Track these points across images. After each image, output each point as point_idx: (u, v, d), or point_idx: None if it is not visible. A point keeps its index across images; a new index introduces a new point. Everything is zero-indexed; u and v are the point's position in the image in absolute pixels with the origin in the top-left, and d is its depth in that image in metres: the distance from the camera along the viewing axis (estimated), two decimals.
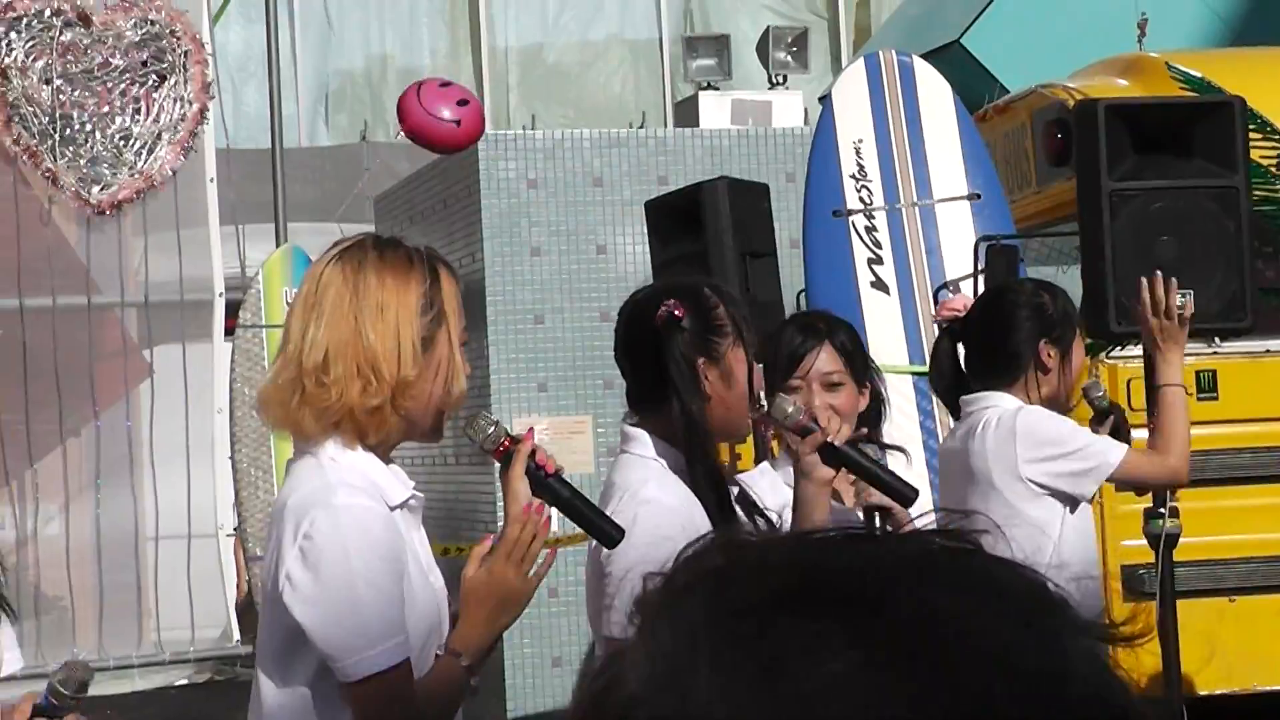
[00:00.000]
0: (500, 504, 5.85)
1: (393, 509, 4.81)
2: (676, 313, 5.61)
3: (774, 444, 8.89)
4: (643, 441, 5.71)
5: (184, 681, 14.95)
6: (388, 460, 4.96)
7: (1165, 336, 7.85)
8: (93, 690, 13.07)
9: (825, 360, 6.72)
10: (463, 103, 13.30)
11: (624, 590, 5.35)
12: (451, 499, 15.99)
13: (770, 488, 6.86)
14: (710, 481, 5.65)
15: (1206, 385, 11.38)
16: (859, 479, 6.46)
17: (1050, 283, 8.56)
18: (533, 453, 5.04)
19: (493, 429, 5.11)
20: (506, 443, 5.07)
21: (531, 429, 5.39)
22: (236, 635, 13.21)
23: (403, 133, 13.68)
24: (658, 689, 1.20)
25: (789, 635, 1.18)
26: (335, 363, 4.70)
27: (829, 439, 5.91)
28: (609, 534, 5.16)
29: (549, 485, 5.09)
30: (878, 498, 6.75)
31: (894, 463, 7.20)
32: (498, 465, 5.16)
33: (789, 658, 1.17)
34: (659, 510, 5.45)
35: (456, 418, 5.18)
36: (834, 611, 1.19)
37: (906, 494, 6.34)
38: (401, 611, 4.73)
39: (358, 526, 4.62)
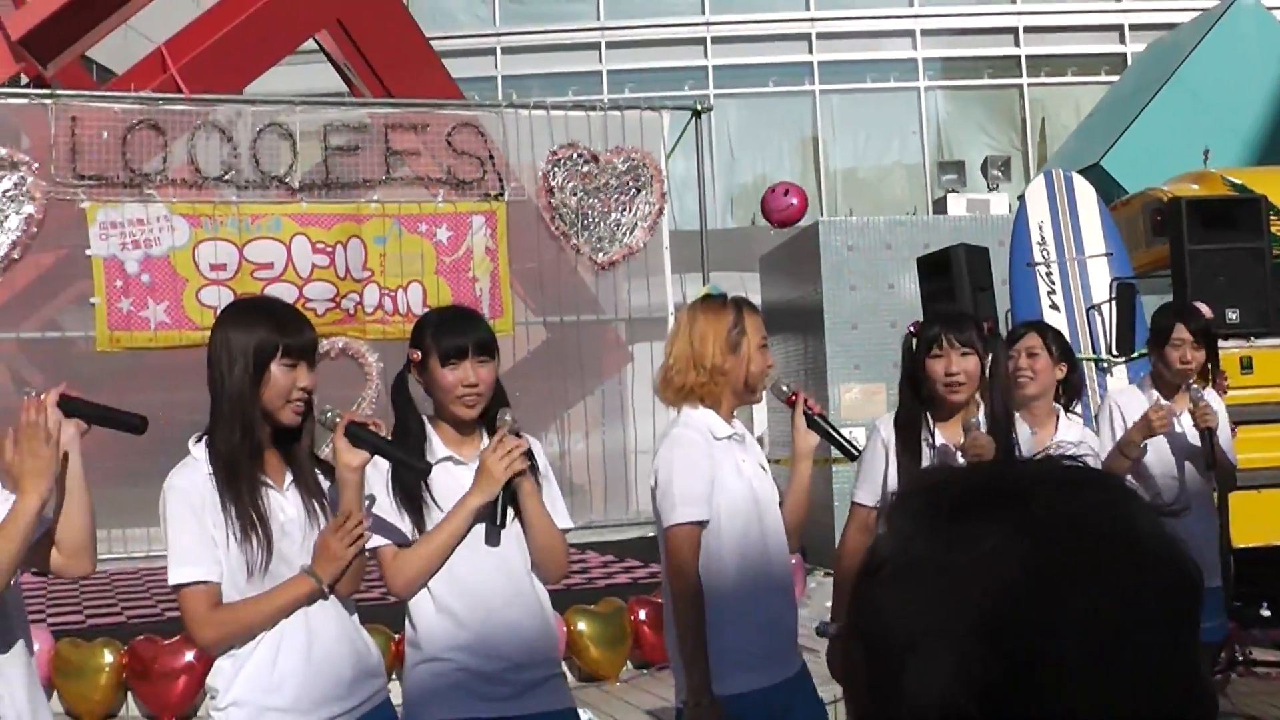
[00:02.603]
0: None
1: (717, 439, 5.07)
2: (911, 329, 5.98)
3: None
4: (878, 427, 5.93)
5: (653, 533, 15.91)
6: (730, 416, 5.16)
7: None
8: (596, 537, 13.62)
9: (1030, 340, 7.02)
10: (787, 193, 14.94)
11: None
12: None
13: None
14: (909, 433, 5.79)
15: (1247, 365, 11.58)
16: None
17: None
18: (806, 399, 5.28)
19: (786, 387, 5.35)
20: (794, 396, 5.28)
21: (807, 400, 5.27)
22: None
23: (770, 220, 15.32)
24: (894, 552, 1.30)
25: (970, 520, 1.27)
26: (678, 361, 5.13)
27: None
28: (848, 452, 5.27)
29: (816, 422, 5.26)
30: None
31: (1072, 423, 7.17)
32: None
33: (968, 533, 1.26)
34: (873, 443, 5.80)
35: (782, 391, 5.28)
36: (997, 505, 1.28)
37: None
38: (702, 491, 4.97)
39: (679, 442, 5.00)
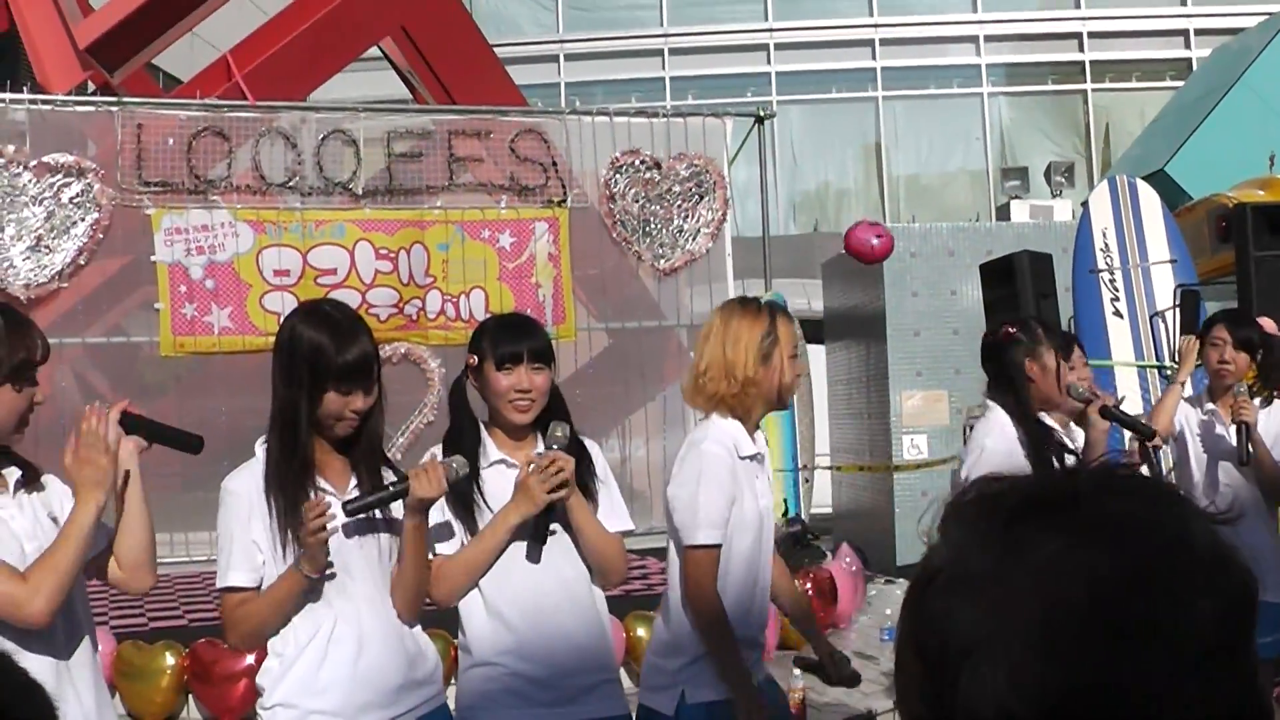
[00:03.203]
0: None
1: (741, 457, 4.95)
2: (1011, 330, 6.17)
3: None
4: (995, 410, 6.10)
5: None
6: (755, 428, 5.08)
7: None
8: (656, 543, 14.20)
9: (1080, 353, 6.93)
10: (879, 236, 14.87)
11: None
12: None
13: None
14: (1032, 431, 5.96)
15: None
16: (1124, 427, 6.66)
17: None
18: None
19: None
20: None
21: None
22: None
23: (846, 249, 15.26)
24: (949, 561, 1.31)
25: (1024, 529, 1.28)
26: (710, 368, 5.02)
27: (1104, 403, 6.37)
28: None
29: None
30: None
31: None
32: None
33: (1023, 542, 1.27)
34: (990, 454, 5.87)
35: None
36: (1051, 513, 1.28)
37: (1148, 432, 6.78)
38: (724, 514, 4.86)
39: (707, 459, 4.85)
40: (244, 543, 4.31)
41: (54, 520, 4.07)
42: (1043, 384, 6.09)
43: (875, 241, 14.78)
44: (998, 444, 5.93)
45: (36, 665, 3.81)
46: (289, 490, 4.30)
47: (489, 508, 4.70)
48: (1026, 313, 10.50)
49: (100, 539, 4.05)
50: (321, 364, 4.28)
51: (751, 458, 5.02)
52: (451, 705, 4.81)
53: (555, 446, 4.72)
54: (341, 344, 4.31)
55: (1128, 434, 6.93)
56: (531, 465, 4.67)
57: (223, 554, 4.35)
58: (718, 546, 4.86)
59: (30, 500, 4.10)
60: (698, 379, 5.10)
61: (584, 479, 4.83)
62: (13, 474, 4.07)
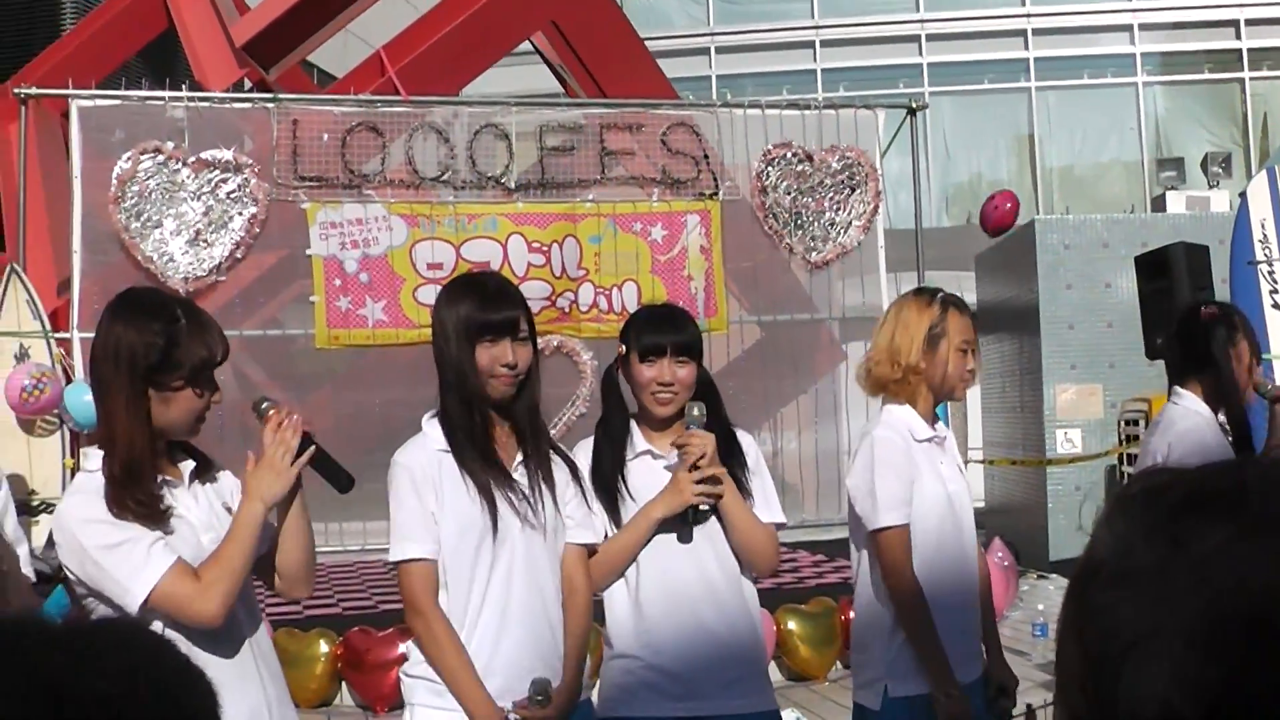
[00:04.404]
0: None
1: (918, 441, 5.02)
2: (1214, 311, 6.08)
3: None
4: (1190, 397, 6.02)
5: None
6: (930, 415, 5.12)
7: None
8: (807, 536, 13.36)
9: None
10: (996, 208, 14.89)
11: None
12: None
13: None
14: (1237, 416, 5.98)
15: None
16: None
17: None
18: None
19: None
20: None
21: None
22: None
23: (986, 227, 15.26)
24: (1112, 554, 1.27)
25: (1190, 522, 1.23)
26: (880, 354, 5.11)
27: None
28: None
29: None
30: None
31: None
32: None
33: (1188, 536, 1.22)
34: (1193, 437, 5.85)
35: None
36: (1219, 507, 1.23)
37: None
38: (903, 494, 4.92)
39: (880, 444, 4.94)
40: (419, 513, 4.31)
41: (228, 510, 4.08)
42: (1236, 374, 6.00)
43: (1006, 206, 14.72)
44: (1193, 423, 5.90)
45: (231, 651, 3.94)
46: (478, 449, 4.36)
47: (634, 499, 4.69)
48: (1183, 306, 10.32)
49: (265, 540, 4.04)
50: (470, 324, 4.32)
51: (930, 440, 5.04)
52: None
53: (691, 426, 4.71)
54: (484, 301, 4.35)
55: None
56: (678, 450, 4.68)
57: (396, 526, 4.35)
58: (904, 526, 4.88)
59: (204, 491, 4.11)
60: (867, 363, 5.16)
61: (735, 471, 4.78)
62: (187, 466, 4.08)
